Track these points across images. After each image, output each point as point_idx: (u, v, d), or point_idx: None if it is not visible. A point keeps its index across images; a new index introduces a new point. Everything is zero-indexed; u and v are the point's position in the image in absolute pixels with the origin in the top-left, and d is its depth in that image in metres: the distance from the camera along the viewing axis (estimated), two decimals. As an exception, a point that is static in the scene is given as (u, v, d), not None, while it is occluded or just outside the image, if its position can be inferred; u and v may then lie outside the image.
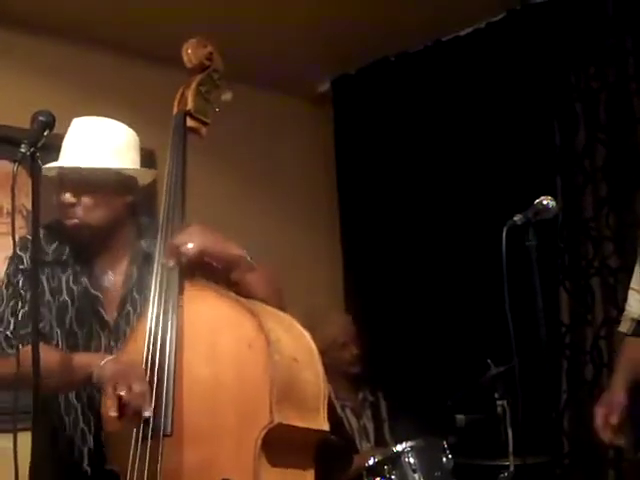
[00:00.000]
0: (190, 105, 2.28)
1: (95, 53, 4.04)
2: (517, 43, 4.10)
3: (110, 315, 2.24)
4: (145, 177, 2.34)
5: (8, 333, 2.16)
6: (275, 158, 4.76)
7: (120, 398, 1.91)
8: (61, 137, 2.25)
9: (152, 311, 2.05)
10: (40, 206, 1.81)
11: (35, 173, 1.80)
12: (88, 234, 2.21)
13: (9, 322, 2.17)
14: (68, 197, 2.17)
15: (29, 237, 2.19)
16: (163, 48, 4.08)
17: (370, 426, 3.97)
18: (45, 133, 1.86)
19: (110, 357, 2.07)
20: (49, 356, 1.99)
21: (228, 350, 1.96)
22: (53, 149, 2.23)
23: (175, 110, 2.30)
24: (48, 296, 2.22)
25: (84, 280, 2.24)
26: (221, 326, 2.00)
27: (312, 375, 2.00)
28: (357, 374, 3.96)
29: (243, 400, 1.91)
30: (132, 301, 2.25)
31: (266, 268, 2.17)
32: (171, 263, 2.05)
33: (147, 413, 1.94)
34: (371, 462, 3.46)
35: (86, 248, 2.25)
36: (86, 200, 2.17)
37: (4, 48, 3.80)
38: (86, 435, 2.22)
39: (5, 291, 2.22)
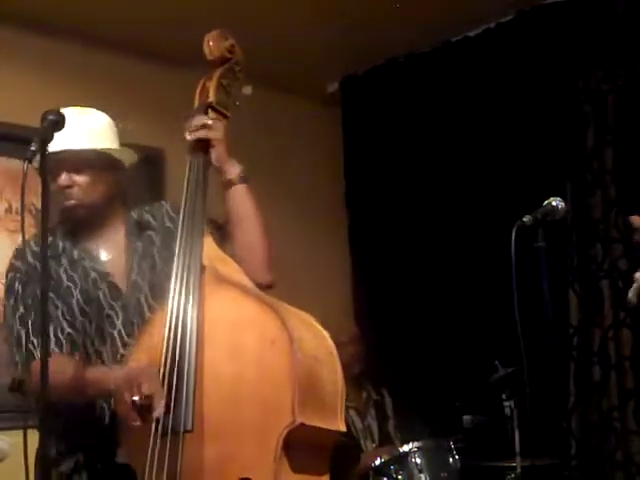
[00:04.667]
0: (212, 97, 2.27)
1: (105, 53, 4.05)
2: (526, 44, 4.09)
3: (120, 283, 2.28)
4: (129, 159, 2.42)
5: (23, 346, 2.16)
6: (283, 159, 4.76)
7: (133, 404, 1.91)
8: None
9: (172, 304, 2.04)
10: (49, 204, 1.81)
11: (45, 171, 1.80)
12: (84, 213, 2.29)
13: (21, 337, 2.18)
14: (63, 179, 2.26)
15: (19, 247, 2.28)
16: (172, 49, 4.11)
17: (374, 425, 3.97)
18: (55, 132, 1.87)
19: (118, 367, 2.08)
20: (65, 372, 2.06)
21: (250, 347, 1.94)
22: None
23: (196, 103, 2.30)
24: (51, 294, 2.21)
25: (82, 262, 2.28)
26: (243, 323, 1.98)
27: (331, 374, 1.97)
28: (360, 373, 3.96)
29: (265, 398, 1.89)
30: (139, 269, 2.29)
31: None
32: (189, 137, 2.19)
33: (156, 414, 1.93)
34: (378, 462, 3.47)
35: (81, 230, 2.32)
36: (80, 180, 2.27)
37: (14, 48, 3.82)
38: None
39: (8, 302, 2.24)
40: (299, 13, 3.97)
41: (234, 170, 2.26)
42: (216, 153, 2.23)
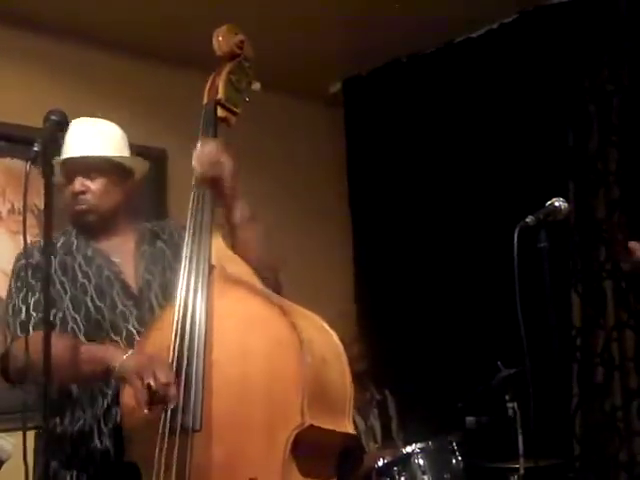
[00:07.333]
0: (221, 94, 2.26)
1: (106, 53, 4.05)
2: (530, 45, 4.08)
3: (131, 283, 2.31)
4: (141, 169, 2.46)
5: (22, 318, 2.17)
6: (286, 159, 4.76)
7: (149, 388, 1.88)
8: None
9: (180, 302, 2.05)
10: (52, 205, 1.81)
11: (48, 172, 1.80)
12: (94, 219, 2.34)
13: (21, 310, 2.20)
14: (78, 186, 2.31)
15: (32, 242, 2.27)
16: (173, 49, 4.11)
17: (377, 425, 3.96)
18: (58, 132, 1.87)
19: (131, 351, 2.06)
20: (64, 345, 2.03)
21: (259, 348, 1.93)
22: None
23: (205, 99, 2.29)
24: (59, 287, 2.26)
25: (96, 260, 2.32)
26: (252, 323, 1.97)
27: (339, 376, 1.97)
28: (362, 373, 3.95)
29: (273, 399, 1.89)
30: (149, 271, 2.32)
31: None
32: (199, 169, 2.15)
33: (171, 404, 1.92)
34: (380, 463, 3.46)
35: (92, 234, 2.36)
36: (93, 187, 2.32)
37: (16, 48, 3.81)
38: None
39: (15, 285, 2.28)
40: (301, 14, 3.96)
41: (243, 213, 2.21)
42: (226, 193, 2.19)
